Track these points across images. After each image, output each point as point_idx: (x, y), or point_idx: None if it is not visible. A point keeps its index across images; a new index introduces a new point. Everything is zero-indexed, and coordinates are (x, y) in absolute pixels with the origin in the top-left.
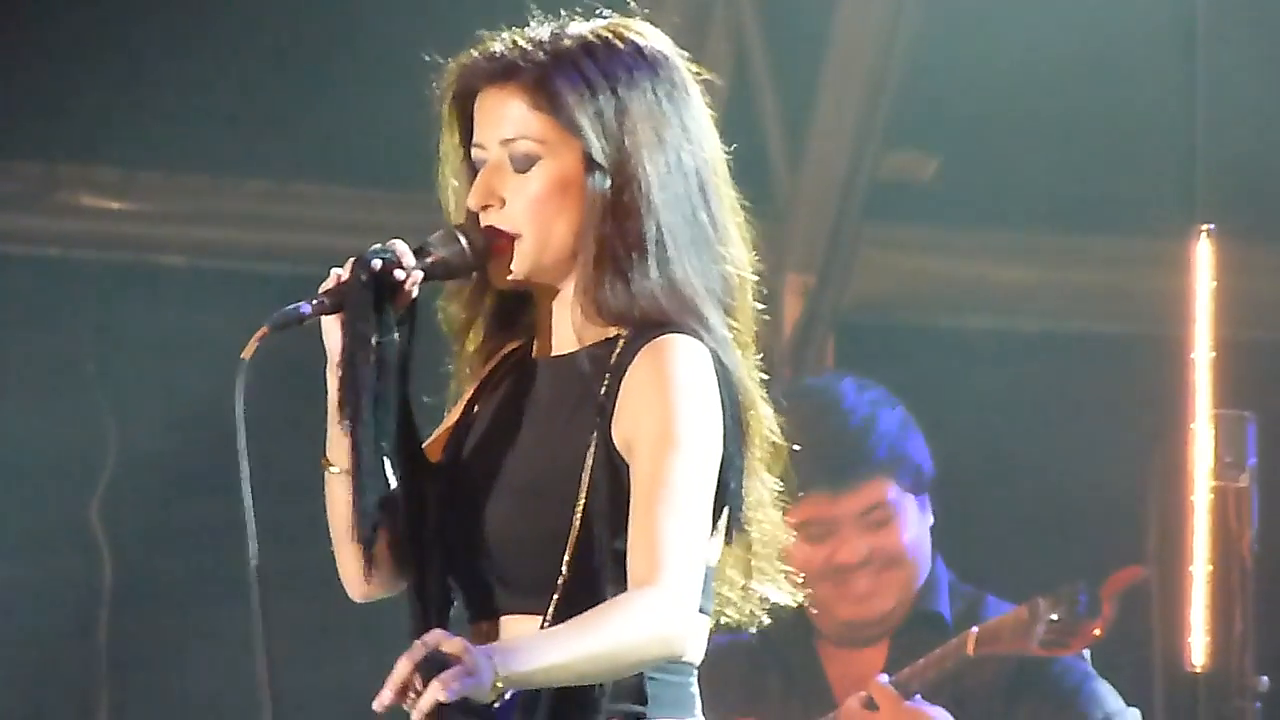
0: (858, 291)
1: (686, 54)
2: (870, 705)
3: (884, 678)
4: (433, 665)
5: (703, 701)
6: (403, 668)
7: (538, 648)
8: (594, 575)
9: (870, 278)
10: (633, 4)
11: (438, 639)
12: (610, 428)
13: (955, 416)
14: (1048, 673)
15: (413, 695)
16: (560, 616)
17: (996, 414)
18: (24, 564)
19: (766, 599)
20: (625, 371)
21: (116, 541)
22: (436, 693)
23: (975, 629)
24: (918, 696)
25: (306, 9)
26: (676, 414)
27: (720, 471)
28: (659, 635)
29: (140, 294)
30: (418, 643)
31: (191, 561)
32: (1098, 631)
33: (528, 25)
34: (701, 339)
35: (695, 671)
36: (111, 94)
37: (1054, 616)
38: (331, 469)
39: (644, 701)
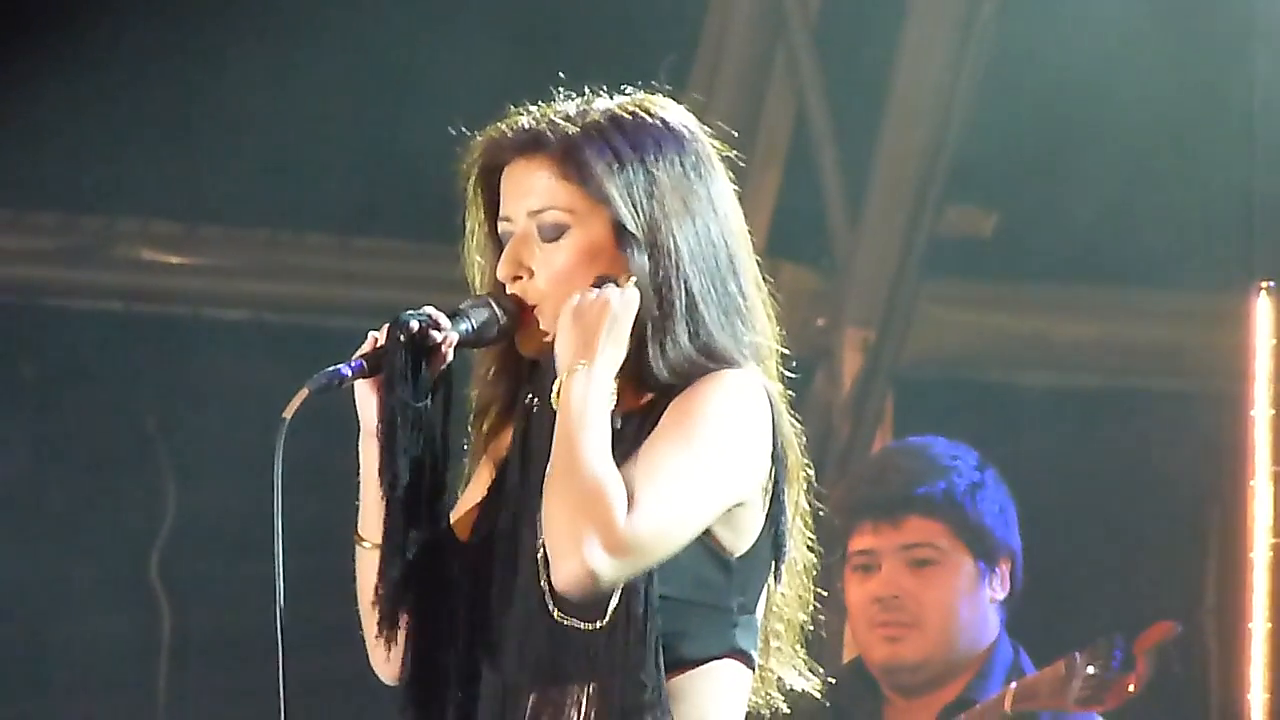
0: (917, 347)
1: (738, 130)
2: None
3: None
4: None
5: None
6: None
7: (596, 407)
8: (634, 646)
9: (930, 333)
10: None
11: None
12: None
13: (1013, 473)
14: None
15: None
16: (600, 692)
17: (1055, 470)
18: (85, 618)
19: (785, 683)
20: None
21: (176, 596)
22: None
23: (1014, 685)
24: None
25: (365, 66)
26: (704, 418)
27: (771, 501)
28: (588, 539)
29: (200, 348)
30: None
31: (250, 616)
32: (1132, 687)
33: (554, 101)
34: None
35: None
36: (171, 148)
37: (1090, 671)
38: (364, 544)
39: None
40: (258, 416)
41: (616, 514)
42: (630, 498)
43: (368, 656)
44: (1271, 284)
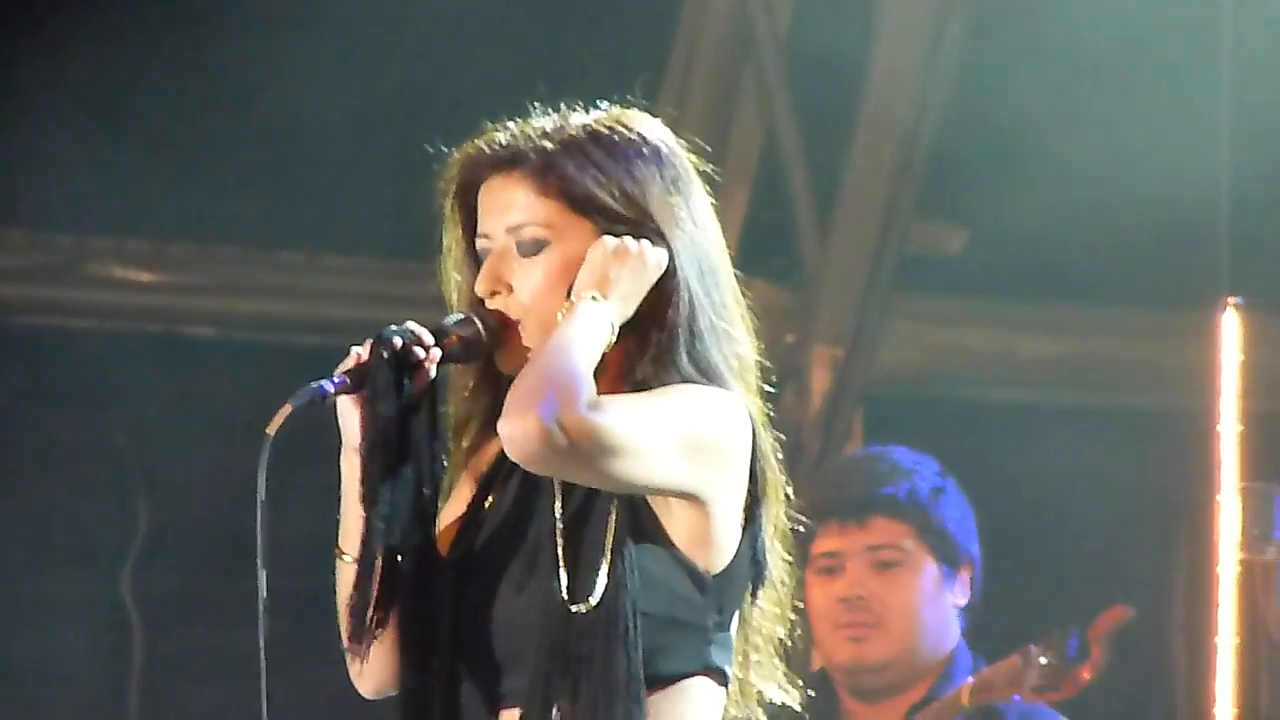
0: (886, 364)
1: (707, 145)
2: None
3: None
4: None
5: None
6: None
7: (595, 330)
8: (619, 644)
9: (899, 350)
10: (665, 75)
11: None
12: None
13: (982, 489)
14: None
15: None
16: (597, 694)
17: (1023, 487)
18: (55, 636)
19: (765, 697)
20: None
21: (147, 614)
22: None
23: (971, 679)
24: None
25: (334, 84)
26: (679, 405)
27: (748, 519)
28: (546, 402)
29: (171, 366)
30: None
31: (222, 634)
32: (1087, 675)
33: (530, 117)
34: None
35: None
36: (143, 167)
37: (1044, 661)
38: (344, 557)
39: None
40: (229, 434)
41: (581, 397)
42: (599, 401)
43: (346, 671)
44: (1239, 300)
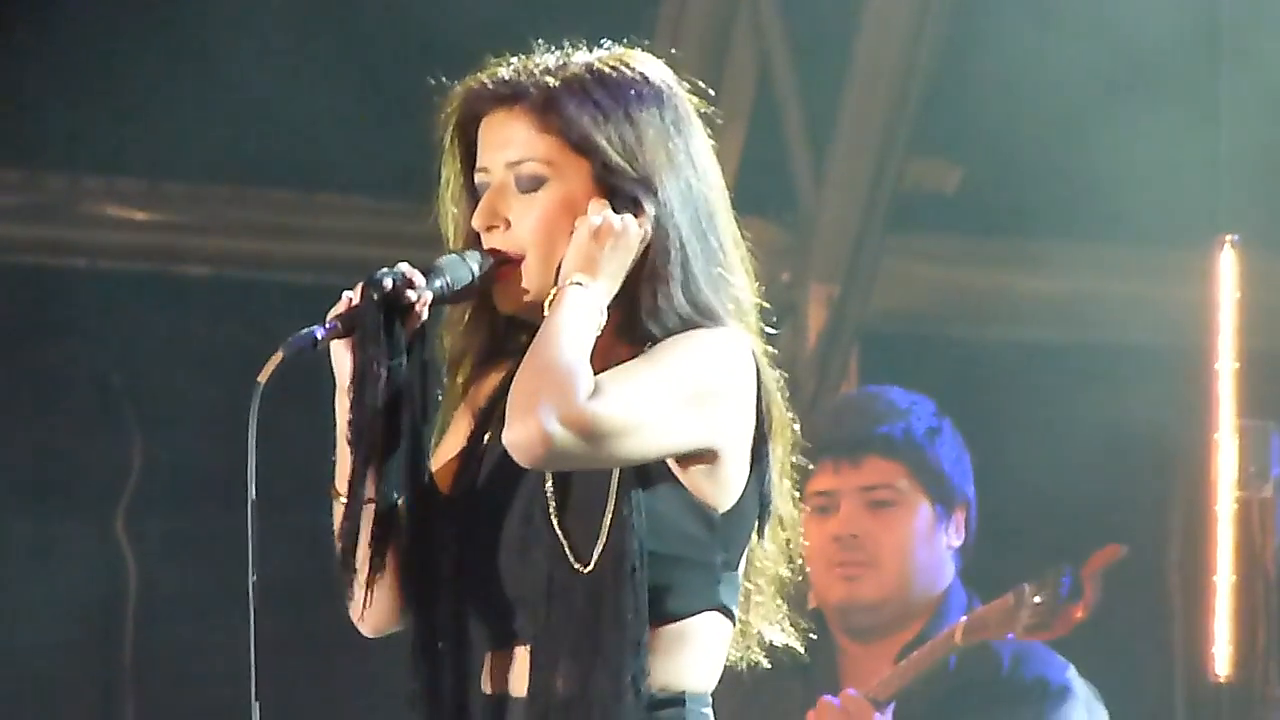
0: (882, 302)
1: (702, 84)
2: (846, 712)
3: (852, 690)
4: None
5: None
6: None
7: (584, 317)
8: (626, 584)
9: (894, 288)
10: (659, 17)
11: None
12: None
13: (977, 427)
14: (1018, 685)
15: None
16: (598, 634)
17: (1019, 425)
18: (49, 574)
19: (765, 639)
20: None
21: (141, 551)
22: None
23: (964, 618)
24: (891, 707)
25: (326, 21)
26: (679, 359)
27: (755, 458)
28: (545, 404)
29: (165, 304)
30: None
31: (216, 571)
32: (1080, 614)
33: (533, 54)
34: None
35: (711, 702)
36: (135, 105)
37: (1038, 600)
38: (340, 499)
39: None
40: (223, 372)
41: (578, 391)
42: (599, 386)
43: (345, 611)
44: (1235, 238)
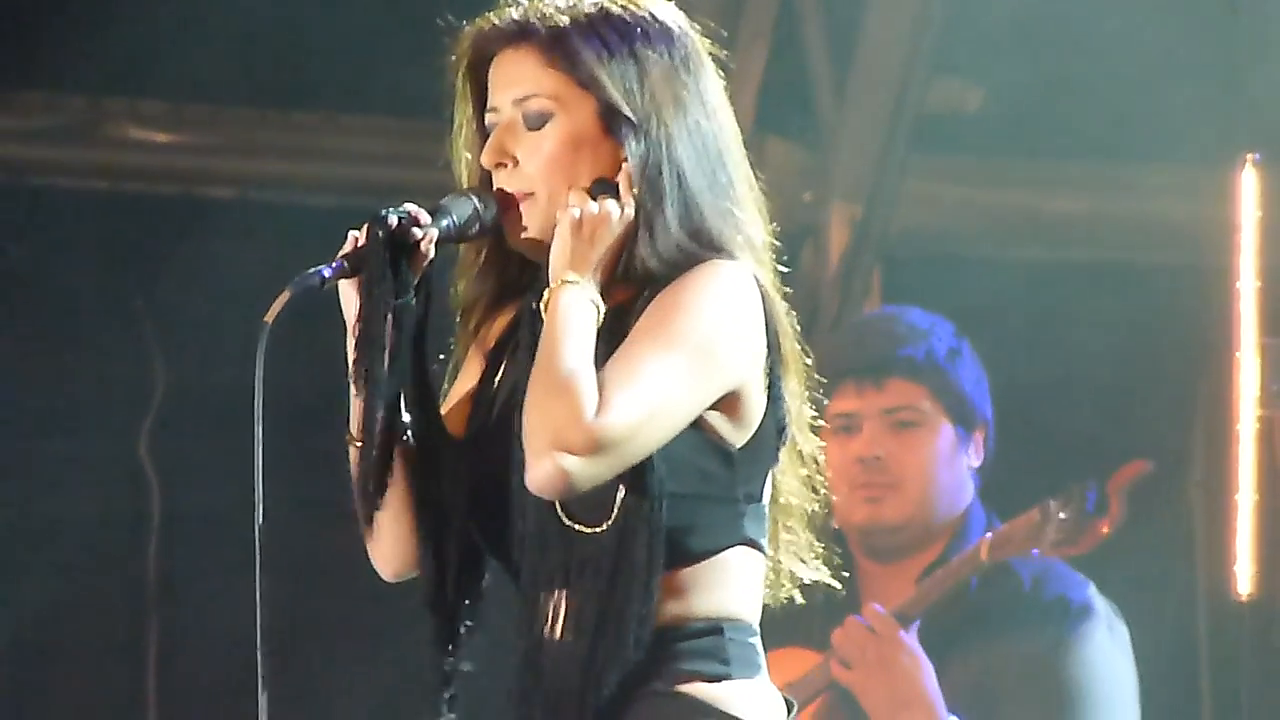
0: (904, 222)
1: (724, 4)
2: (872, 629)
3: (878, 606)
4: None
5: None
6: None
7: (579, 319)
8: (643, 528)
9: (916, 209)
10: None
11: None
12: None
13: (1001, 346)
14: (1039, 604)
15: None
16: (615, 579)
17: (1043, 344)
18: (73, 495)
19: (798, 576)
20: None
21: (164, 473)
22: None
23: (989, 534)
24: (915, 625)
25: None
26: (688, 313)
27: (769, 389)
28: (555, 437)
29: (187, 227)
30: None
31: (239, 493)
32: (1105, 529)
33: None
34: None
35: (759, 631)
36: (157, 26)
37: (1063, 516)
38: (355, 442)
39: (726, 662)
40: (245, 295)
41: (584, 411)
42: (602, 396)
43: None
44: (1257, 156)
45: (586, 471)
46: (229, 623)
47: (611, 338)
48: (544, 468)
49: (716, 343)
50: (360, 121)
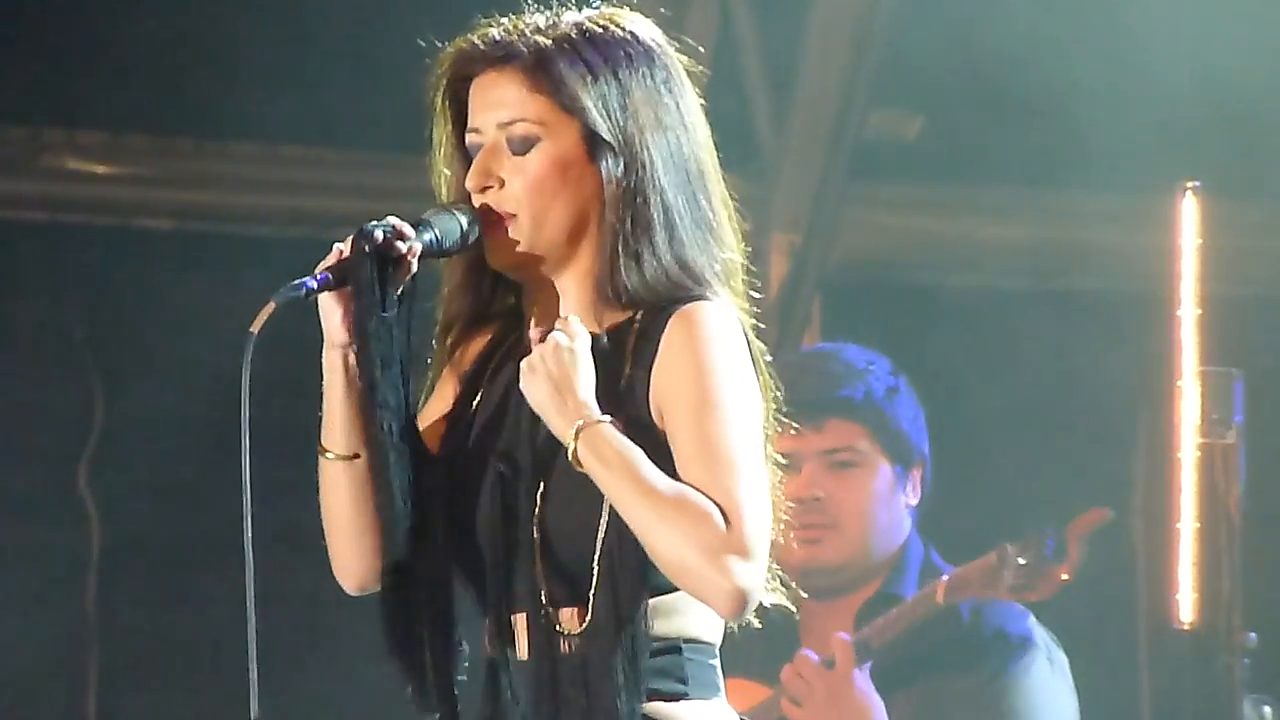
0: (843, 250)
1: (673, 38)
2: (829, 664)
3: (844, 635)
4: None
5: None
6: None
7: (629, 448)
8: (628, 564)
9: (856, 237)
10: None
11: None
12: (647, 401)
13: (940, 375)
14: (978, 638)
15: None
16: (600, 608)
17: (983, 372)
18: (12, 528)
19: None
20: (657, 343)
21: (104, 505)
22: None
23: (945, 577)
24: (868, 665)
25: None
26: (718, 376)
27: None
28: (717, 566)
29: (127, 257)
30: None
31: (179, 525)
32: (1065, 576)
33: (522, 13)
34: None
35: (718, 654)
36: (96, 57)
37: (1022, 561)
38: (328, 455)
39: (684, 680)
40: (184, 325)
41: (718, 527)
42: (717, 503)
43: (327, 564)
44: (1196, 184)
45: (758, 570)
46: (169, 656)
47: (608, 362)
48: (722, 588)
49: (751, 396)
50: (298, 152)
